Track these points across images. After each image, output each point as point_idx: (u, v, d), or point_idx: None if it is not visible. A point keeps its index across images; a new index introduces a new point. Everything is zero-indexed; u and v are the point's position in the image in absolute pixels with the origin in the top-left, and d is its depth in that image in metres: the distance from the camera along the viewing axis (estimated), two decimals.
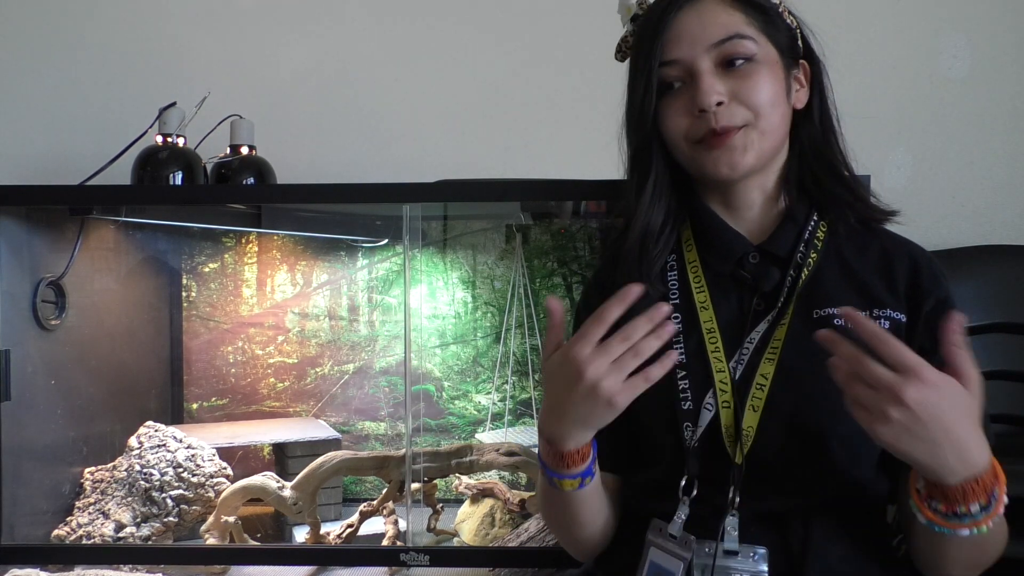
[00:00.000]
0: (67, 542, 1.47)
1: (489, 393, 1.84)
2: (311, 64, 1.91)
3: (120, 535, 1.46)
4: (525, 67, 1.88)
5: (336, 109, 1.90)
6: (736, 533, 0.83)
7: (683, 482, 0.86)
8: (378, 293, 1.89)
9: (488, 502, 1.59)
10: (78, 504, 1.54)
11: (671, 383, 0.88)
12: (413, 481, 1.53)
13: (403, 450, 1.54)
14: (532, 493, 1.56)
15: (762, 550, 0.82)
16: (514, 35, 1.88)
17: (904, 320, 0.86)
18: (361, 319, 1.89)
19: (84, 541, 1.46)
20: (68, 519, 1.51)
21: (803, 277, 0.89)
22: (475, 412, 1.85)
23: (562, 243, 1.81)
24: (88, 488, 1.56)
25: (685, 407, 0.87)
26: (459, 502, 1.68)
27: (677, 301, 0.93)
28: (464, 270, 1.84)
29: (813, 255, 0.90)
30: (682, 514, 0.85)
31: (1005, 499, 0.72)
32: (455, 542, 1.59)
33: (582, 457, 0.83)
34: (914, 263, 0.89)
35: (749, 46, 0.86)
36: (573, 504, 0.89)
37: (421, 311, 1.84)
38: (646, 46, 0.89)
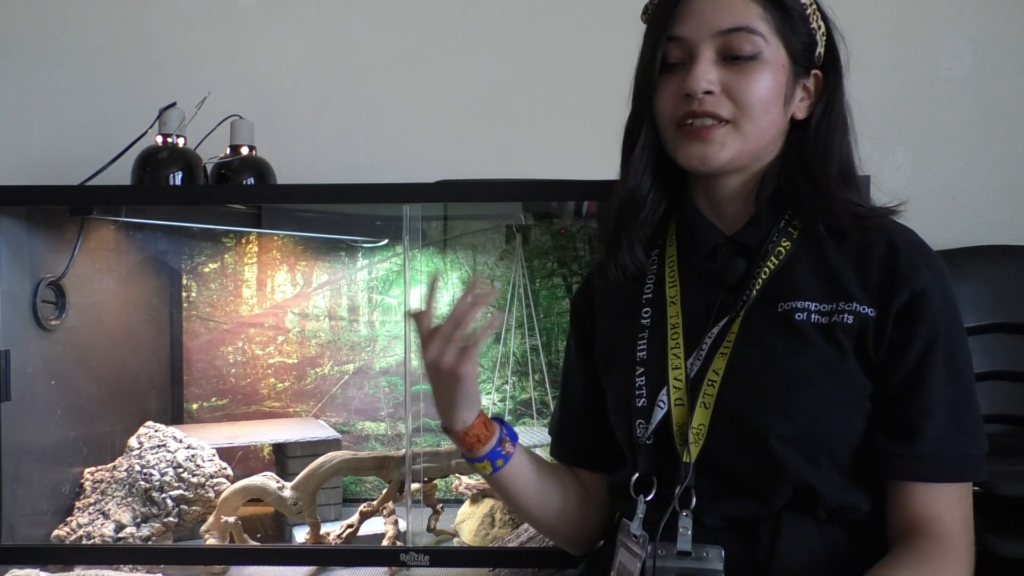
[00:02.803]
0: (67, 542, 1.46)
1: (489, 393, 1.83)
2: (311, 64, 1.91)
3: (120, 535, 1.46)
4: (525, 67, 1.87)
5: (336, 109, 1.90)
6: (689, 534, 0.81)
7: (634, 480, 0.86)
8: (378, 293, 1.89)
9: (488, 502, 1.59)
10: (78, 504, 1.54)
11: (630, 380, 0.88)
12: (413, 481, 1.53)
13: (403, 450, 1.54)
14: None
15: (715, 550, 0.81)
16: (514, 35, 1.88)
17: (872, 315, 0.81)
18: (361, 319, 1.89)
19: (84, 541, 1.46)
20: (68, 519, 1.51)
21: (770, 268, 0.86)
22: None
23: (562, 243, 1.81)
24: (88, 488, 1.56)
25: (640, 404, 0.87)
26: (459, 502, 1.68)
27: (650, 296, 0.92)
28: (464, 270, 1.84)
29: (786, 243, 0.86)
30: (640, 513, 0.85)
31: None
32: (455, 542, 1.59)
33: (479, 439, 0.88)
34: (892, 250, 0.82)
35: (756, 42, 0.83)
36: (501, 488, 0.93)
37: None
38: (660, 17, 0.87)
